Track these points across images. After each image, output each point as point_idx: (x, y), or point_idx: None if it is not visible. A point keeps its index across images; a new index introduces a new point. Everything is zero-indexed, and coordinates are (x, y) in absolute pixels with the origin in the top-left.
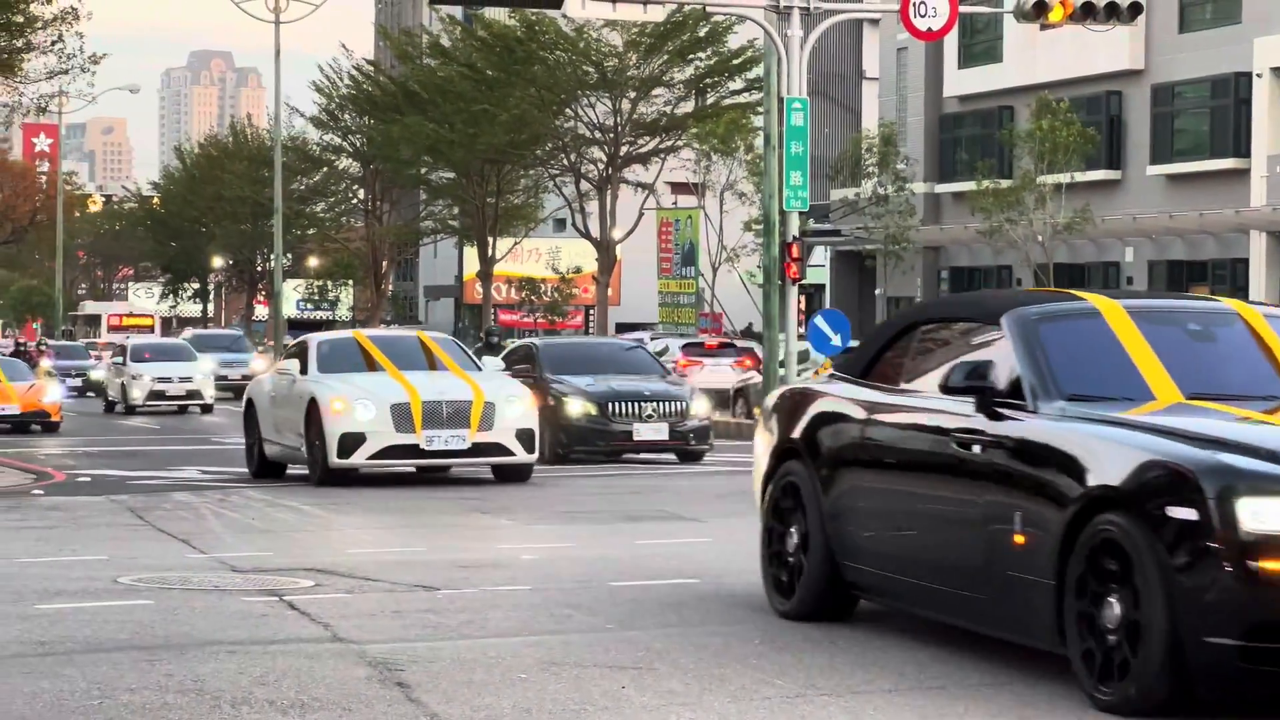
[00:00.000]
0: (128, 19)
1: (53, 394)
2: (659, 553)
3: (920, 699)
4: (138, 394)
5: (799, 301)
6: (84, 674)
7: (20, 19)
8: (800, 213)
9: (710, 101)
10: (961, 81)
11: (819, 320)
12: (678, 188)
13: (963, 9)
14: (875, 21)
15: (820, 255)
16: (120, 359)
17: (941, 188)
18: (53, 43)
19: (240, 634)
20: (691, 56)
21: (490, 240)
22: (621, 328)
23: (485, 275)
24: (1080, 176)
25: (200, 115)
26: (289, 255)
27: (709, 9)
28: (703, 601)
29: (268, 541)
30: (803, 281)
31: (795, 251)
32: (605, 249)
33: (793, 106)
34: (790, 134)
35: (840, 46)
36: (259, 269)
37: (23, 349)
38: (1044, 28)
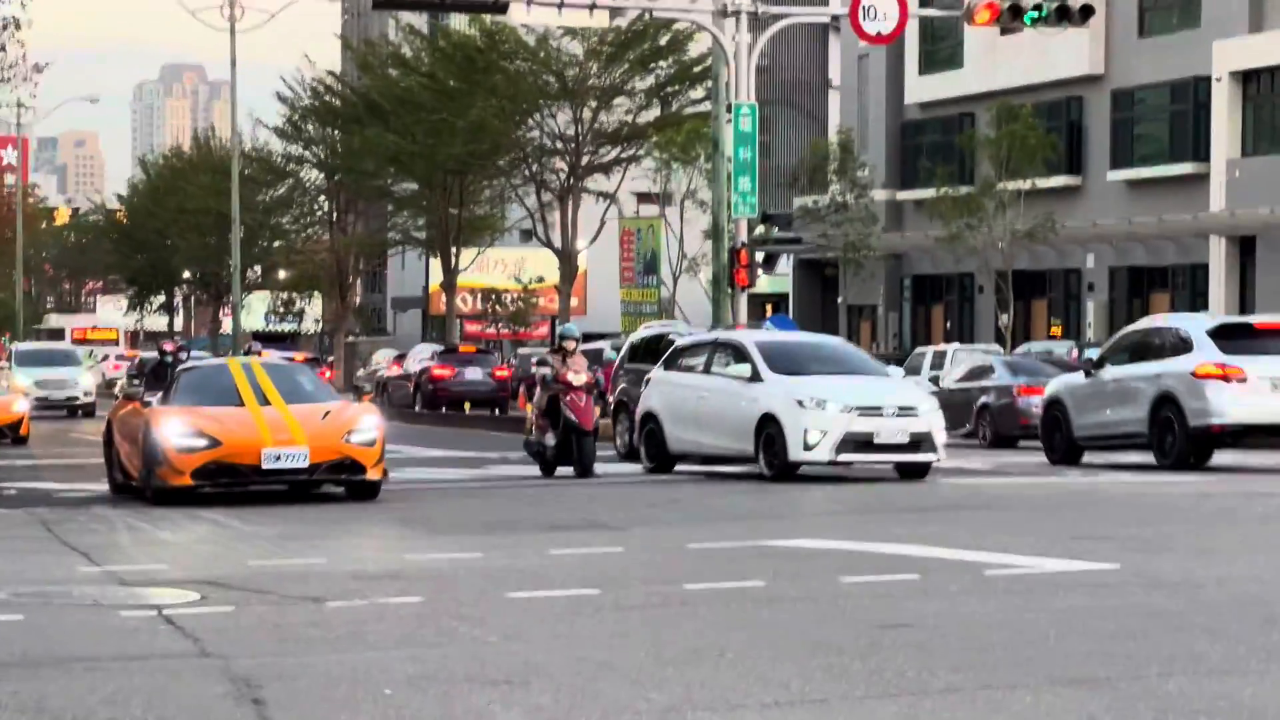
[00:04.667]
0: (98, 31)
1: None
2: (566, 563)
3: (803, 713)
4: (819, 436)
5: (768, 310)
6: None
7: None
8: (763, 220)
9: (672, 110)
10: (922, 88)
11: (768, 326)
12: (643, 197)
13: (916, 12)
14: (839, 29)
15: (785, 264)
16: (748, 366)
17: (903, 195)
18: None
19: (103, 650)
20: (652, 65)
21: (454, 251)
22: (589, 337)
23: (449, 286)
24: (1041, 183)
25: (173, 128)
26: (256, 268)
27: (655, 14)
28: (598, 612)
29: (170, 554)
30: (764, 290)
31: (744, 258)
32: (567, 259)
33: (740, 112)
34: (738, 140)
35: (806, 55)
36: (225, 281)
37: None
38: (1004, 32)
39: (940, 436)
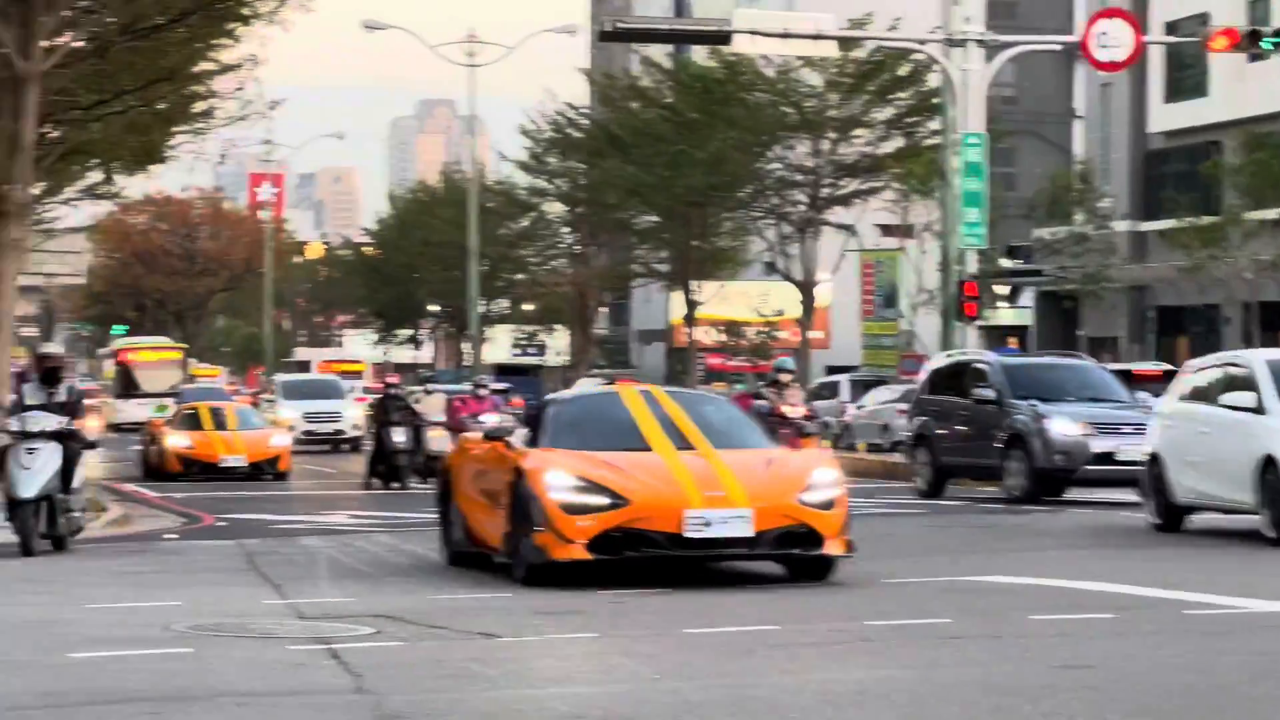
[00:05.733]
0: (356, 69)
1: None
2: (756, 598)
3: None
4: None
5: (1010, 343)
6: None
7: (211, 65)
8: (1007, 252)
9: (912, 141)
10: (1167, 117)
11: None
12: (886, 229)
13: (1151, 40)
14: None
15: (1029, 296)
16: (1253, 394)
17: (1146, 225)
18: (235, 89)
19: (260, 685)
20: (892, 96)
21: (694, 284)
22: (833, 370)
23: (689, 319)
24: None
25: (426, 163)
26: (501, 301)
27: (883, 44)
28: (773, 650)
29: (363, 586)
30: (1007, 322)
31: (973, 289)
32: (807, 292)
33: (969, 142)
34: (966, 170)
35: (1051, 84)
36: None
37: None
38: (1253, 59)
39: None
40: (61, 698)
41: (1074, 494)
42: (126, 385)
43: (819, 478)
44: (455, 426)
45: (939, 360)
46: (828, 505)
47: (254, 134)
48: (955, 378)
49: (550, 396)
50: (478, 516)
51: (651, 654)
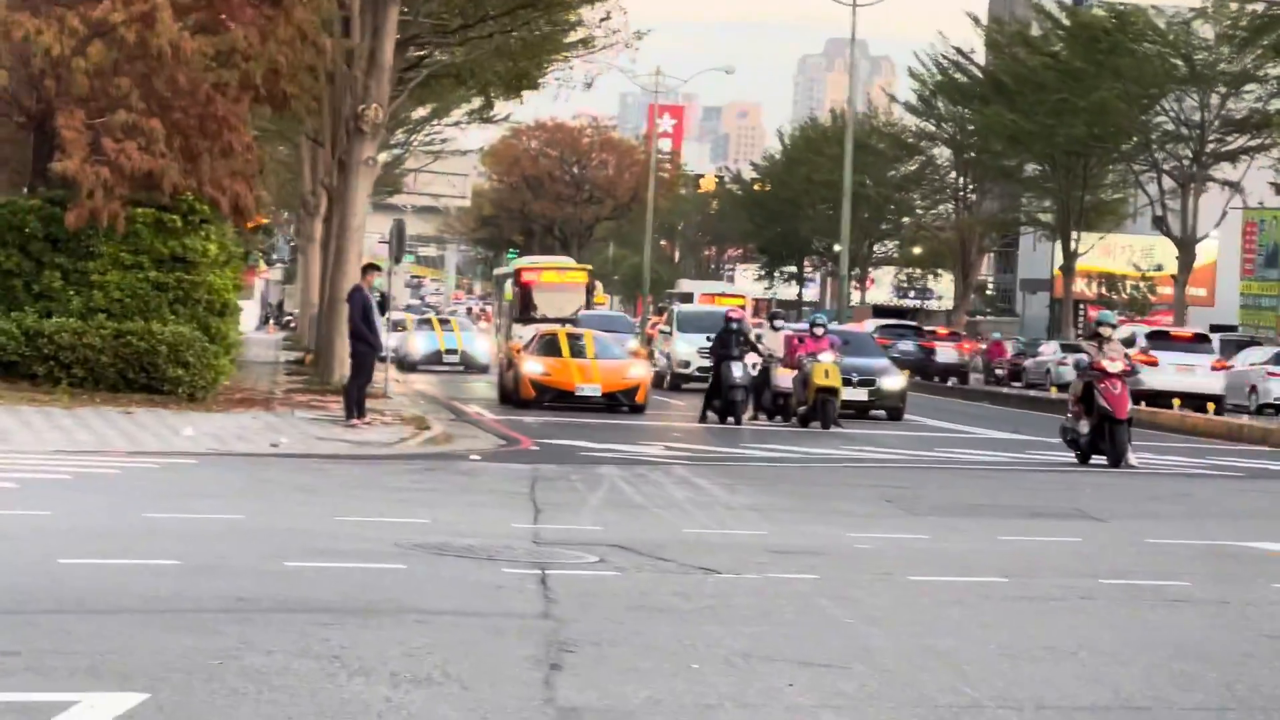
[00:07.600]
0: (756, 6)
1: None
2: (1004, 548)
3: (1111, 719)
4: None
5: None
6: (241, 633)
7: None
8: None
9: None
10: None
11: None
12: None
13: None
14: None
15: None
16: None
17: None
18: (601, 20)
19: (449, 604)
20: None
21: (1075, 234)
22: (1217, 329)
23: (1067, 270)
24: None
25: (834, 102)
26: (886, 243)
27: None
28: (984, 601)
29: (620, 516)
30: None
31: None
32: (1185, 248)
33: None
34: None
35: None
36: (857, 253)
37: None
38: None
39: None
40: (249, 603)
41: None
42: (525, 308)
43: None
44: (792, 364)
45: None
46: None
47: (644, 65)
48: None
49: None
50: None
51: (860, 599)
